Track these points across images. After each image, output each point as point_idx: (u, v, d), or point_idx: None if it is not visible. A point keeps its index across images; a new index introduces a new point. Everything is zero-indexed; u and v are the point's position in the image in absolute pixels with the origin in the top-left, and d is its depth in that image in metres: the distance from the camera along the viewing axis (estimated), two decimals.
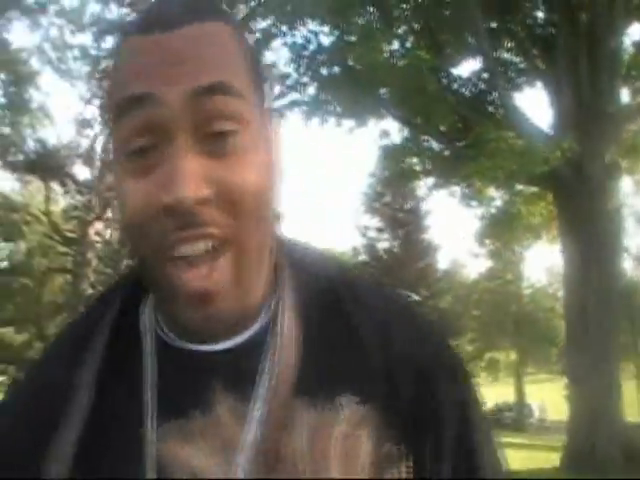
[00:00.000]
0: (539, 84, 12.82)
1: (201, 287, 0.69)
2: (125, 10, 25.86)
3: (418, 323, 0.83)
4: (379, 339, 0.78)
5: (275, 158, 0.78)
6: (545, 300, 33.51)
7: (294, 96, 12.25)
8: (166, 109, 0.69)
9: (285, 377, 0.74)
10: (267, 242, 0.76)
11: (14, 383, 0.89)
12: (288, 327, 0.77)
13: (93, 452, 0.72)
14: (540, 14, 12.11)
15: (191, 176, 0.68)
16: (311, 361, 0.75)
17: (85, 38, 26.11)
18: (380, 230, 35.81)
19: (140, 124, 0.70)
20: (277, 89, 12.29)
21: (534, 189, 12.92)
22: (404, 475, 0.73)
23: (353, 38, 11.81)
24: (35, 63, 25.19)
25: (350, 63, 11.69)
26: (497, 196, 15.36)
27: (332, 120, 12.67)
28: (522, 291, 33.26)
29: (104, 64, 26.44)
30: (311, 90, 12.24)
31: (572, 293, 10.79)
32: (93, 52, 26.17)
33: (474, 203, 16.40)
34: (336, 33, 12.06)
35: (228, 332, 0.75)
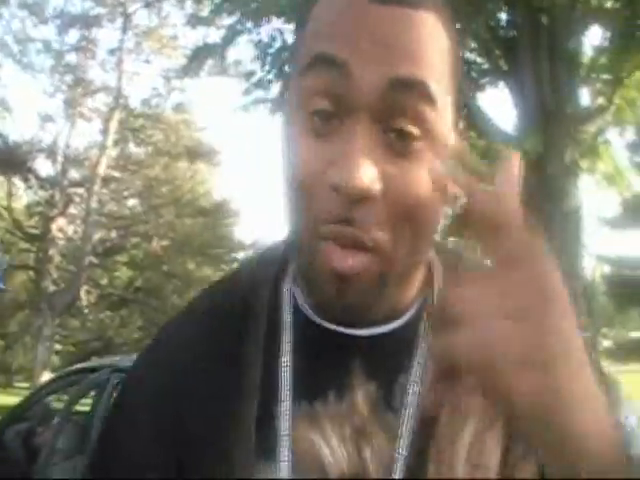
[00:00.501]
0: (502, 85, 12.97)
1: (343, 268, 0.67)
2: (89, 3, 25.71)
3: None
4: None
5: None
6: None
7: (259, 93, 12.27)
8: (359, 86, 0.66)
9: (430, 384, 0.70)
10: (421, 258, 0.76)
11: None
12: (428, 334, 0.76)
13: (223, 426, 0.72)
14: (503, 15, 12.24)
15: (366, 165, 0.65)
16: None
17: (48, 31, 25.73)
18: None
19: (329, 87, 0.67)
20: (243, 86, 12.31)
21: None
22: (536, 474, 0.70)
23: None
24: None
25: None
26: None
27: None
28: None
29: (67, 58, 26.20)
30: (276, 88, 12.27)
31: None
32: (56, 45, 26.01)
33: None
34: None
35: (370, 322, 0.75)
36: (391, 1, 0.67)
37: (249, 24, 12.06)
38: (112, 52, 26.25)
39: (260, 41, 12.21)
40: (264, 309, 0.78)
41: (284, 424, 0.71)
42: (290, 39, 12.20)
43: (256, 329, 0.76)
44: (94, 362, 8.00)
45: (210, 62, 14.05)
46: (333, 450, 0.70)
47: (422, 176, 0.68)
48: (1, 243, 27.47)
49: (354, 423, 0.71)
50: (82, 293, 24.40)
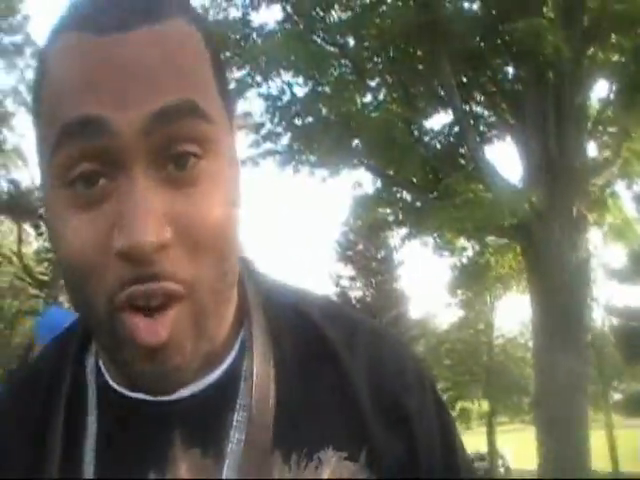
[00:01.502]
0: (509, 138, 13.06)
1: (155, 341, 0.59)
2: None
3: (403, 361, 0.75)
4: (369, 385, 0.70)
5: (239, 184, 0.67)
6: (516, 350, 33.63)
7: (268, 145, 12.38)
8: (119, 137, 0.57)
9: (259, 430, 0.65)
10: (231, 283, 0.66)
11: None
12: (259, 371, 0.68)
13: None
14: (509, 69, 12.38)
15: (152, 217, 0.57)
16: (288, 410, 0.67)
17: None
18: (353, 279, 35.80)
19: (85, 151, 0.58)
20: (251, 138, 12.43)
21: (503, 240, 13.10)
22: None
23: (327, 90, 12.02)
24: (10, 104, 25.21)
25: (324, 114, 11.88)
26: (468, 246, 15.57)
27: (305, 169, 12.84)
28: (493, 341, 33.36)
29: None
30: (285, 140, 12.38)
31: (540, 343, 10.89)
32: None
33: (446, 253, 16.58)
34: (310, 84, 12.27)
35: (186, 381, 0.64)
36: (121, 26, 0.59)
37: (258, 78, 12.23)
38: None
39: (269, 94, 12.37)
40: (64, 392, 0.70)
41: None
42: (300, 92, 12.39)
43: (56, 416, 0.68)
44: None
45: None
46: None
47: (212, 197, 0.61)
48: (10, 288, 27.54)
49: None
50: None
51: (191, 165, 0.59)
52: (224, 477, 0.63)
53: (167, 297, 0.59)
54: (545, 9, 11.21)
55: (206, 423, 0.66)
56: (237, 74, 12.61)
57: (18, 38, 24.78)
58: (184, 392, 0.65)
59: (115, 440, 0.66)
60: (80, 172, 0.58)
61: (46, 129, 0.61)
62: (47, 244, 27.24)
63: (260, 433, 0.65)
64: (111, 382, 0.69)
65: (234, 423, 0.66)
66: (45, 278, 25.40)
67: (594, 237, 14.89)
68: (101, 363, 0.71)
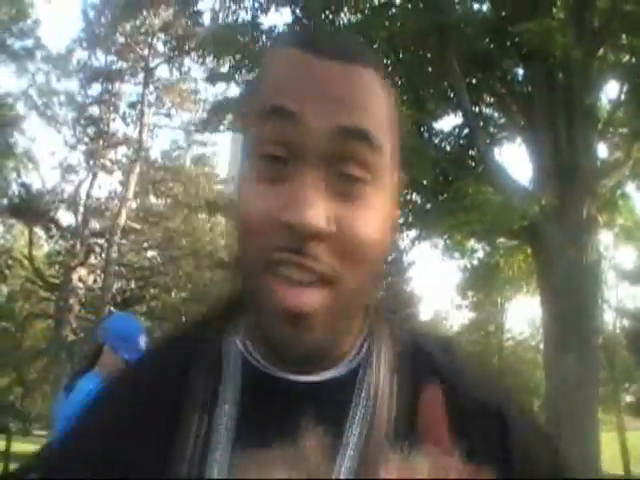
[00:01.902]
0: (519, 139, 13.02)
1: (297, 307, 0.69)
2: (111, 57, 26.22)
3: (511, 404, 0.84)
4: (470, 388, 0.80)
5: (396, 210, 0.81)
6: (527, 352, 33.55)
7: None
8: (310, 134, 0.71)
9: (378, 417, 0.75)
10: (368, 292, 0.78)
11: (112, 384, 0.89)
12: (382, 368, 0.79)
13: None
14: (519, 71, 12.35)
15: (318, 205, 0.69)
16: (403, 404, 0.76)
17: (71, 84, 26.30)
18: None
19: (281, 135, 0.72)
20: None
21: (513, 242, 13.07)
22: None
23: None
24: (21, 108, 25.43)
25: None
26: (479, 248, 15.55)
27: None
28: (504, 343, 33.29)
29: (90, 110, 26.64)
30: None
31: (551, 345, 10.86)
32: (79, 98, 26.48)
33: (457, 255, 16.56)
34: None
35: (317, 367, 0.77)
36: (336, 57, 0.74)
37: None
38: (133, 105, 26.70)
39: None
40: (207, 363, 0.79)
41: (220, 471, 0.72)
42: None
43: (199, 383, 0.78)
44: None
45: (230, 117, 14.23)
46: None
47: (370, 217, 0.73)
48: (21, 291, 27.64)
49: (304, 467, 0.69)
50: None
51: (357, 187, 0.72)
52: (345, 460, 0.72)
53: (319, 278, 0.70)
54: (555, 10, 11.18)
55: (329, 408, 0.74)
56: (247, 76, 12.65)
57: (29, 42, 24.96)
58: (316, 377, 0.77)
59: (252, 409, 0.75)
60: (270, 151, 0.72)
61: (257, 109, 0.75)
62: (58, 247, 27.37)
63: (380, 426, 0.74)
64: (250, 358, 0.80)
65: (358, 413, 0.75)
66: (56, 281, 25.51)
67: (605, 239, 14.86)
68: (238, 342, 0.82)
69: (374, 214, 0.73)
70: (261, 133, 0.73)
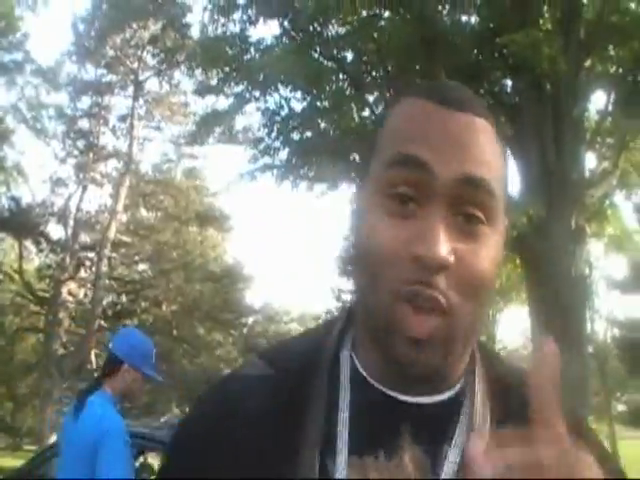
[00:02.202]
0: (507, 150, 13.03)
1: (422, 334, 0.77)
2: (101, 71, 26.24)
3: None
4: None
5: (502, 251, 0.87)
6: (519, 362, 33.50)
7: (266, 160, 12.39)
8: (439, 180, 0.79)
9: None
10: (477, 324, 0.85)
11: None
12: (479, 397, 0.86)
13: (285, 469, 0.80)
14: (507, 82, 12.38)
15: (445, 241, 0.77)
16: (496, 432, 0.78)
17: (61, 97, 26.23)
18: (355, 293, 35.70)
19: (411, 178, 0.80)
20: (250, 153, 12.43)
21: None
22: None
23: (325, 104, 12.04)
24: (10, 121, 25.35)
25: (322, 129, 11.89)
26: None
27: (304, 184, 12.84)
28: None
29: (80, 124, 26.62)
30: (283, 155, 12.39)
31: None
32: (69, 111, 26.46)
33: None
34: (308, 99, 12.28)
35: (423, 391, 0.84)
36: (461, 109, 0.83)
37: (257, 93, 12.25)
38: (123, 118, 26.73)
39: (267, 109, 12.38)
40: (325, 371, 0.87)
41: (341, 474, 0.79)
42: (297, 107, 12.40)
43: (318, 388, 0.85)
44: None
45: (219, 129, 14.24)
46: None
47: (486, 254, 0.81)
48: (11, 305, 27.51)
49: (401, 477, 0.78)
50: (92, 356, 24.34)
51: (476, 226, 0.81)
52: (443, 476, 0.79)
53: (437, 306, 0.78)
54: (542, 21, 11.23)
55: (432, 429, 0.82)
56: (236, 89, 12.67)
57: (18, 56, 24.94)
58: (421, 400, 0.84)
59: (362, 422, 0.82)
60: (400, 192, 0.80)
61: (383, 153, 0.84)
62: (48, 261, 27.27)
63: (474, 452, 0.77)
64: (363, 372, 0.87)
65: (455, 435, 0.82)
66: (46, 295, 25.41)
67: (595, 248, 14.87)
68: (355, 354, 0.89)
69: (488, 252, 0.81)
70: (390, 176, 0.82)
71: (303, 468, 0.79)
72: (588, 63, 11.42)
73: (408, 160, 0.80)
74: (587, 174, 11.53)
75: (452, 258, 0.78)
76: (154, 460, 6.97)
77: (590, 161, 12.19)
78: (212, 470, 0.83)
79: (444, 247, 0.77)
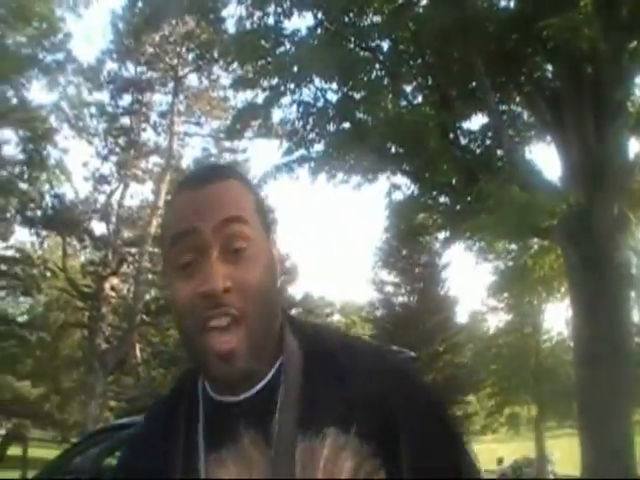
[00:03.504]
0: (548, 137, 12.80)
1: (226, 349, 1.02)
2: (141, 68, 26.44)
3: (396, 369, 1.13)
4: (361, 382, 1.07)
5: (275, 261, 1.13)
6: (564, 353, 32.99)
7: (302, 152, 12.31)
8: (203, 235, 1.05)
9: (290, 416, 1.04)
10: (272, 318, 1.10)
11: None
12: (292, 381, 1.08)
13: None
14: (547, 67, 12.12)
15: (218, 274, 1.02)
16: (308, 403, 1.05)
17: (102, 96, 26.38)
18: (397, 285, 35.56)
19: (187, 247, 1.06)
20: (285, 145, 12.36)
21: (543, 242, 12.84)
22: None
23: (361, 94, 11.93)
24: (53, 120, 25.63)
25: (358, 119, 11.78)
26: (512, 249, 15.32)
27: (339, 176, 12.74)
28: (541, 344, 32.82)
29: (121, 121, 26.87)
30: (319, 147, 12.30)
31: (582, 345, 10.63)
32: (110, 109, 26.73)
33: (491, 257, 16.33)
34: (343, 90, 12.16)
35: (246, 386, 1.08)
36: (205, 183, 1.10)
37: (292, 85, 12.17)
38: (164, 115, 26.92)
39: (302, 101, 12.29)
40: (189, 401, 1.16)
41: (202, 471, 1.06)
42: (332, 98, 12.30)
43: (184, 413, 1.14)
44: (127, 419, 8.08)
45: (257, 123, 14.20)
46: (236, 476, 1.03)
47: (253, 270, 1.06)
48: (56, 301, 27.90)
49: (246, 459, 1.04)
50: (135, 351, 24.60)
51: (244, 253, 1.06)
52: (272, 449, 1.02)
53: (232, 319, 1.03)
54: (582, 3, 10.95)
55: (258, 415, 1.06)
56: (271, 82, 12.60)
57: (60, 56, 25.20)
58: (245, 395, 1.09)
59: (213, 425, 1.10)
60: (183, 262, 1.06)
61: (165, 245, 1.11)
62: (91, 257, 27.61)
63: (289, 422, 1.03)
64: (210, 392, 1.13)
65: (276, 414, 1.05)
66: (89, 290, 25.73)
67: None
68: (201, 383, 1.16)
69: (256, 268, 1.06)
70: (174, 250, 1.08)
71: (178, 472, 1.07)
72: (632, 45, 11.12)
73: (180, 232, 1.07)
74: (631, 160, 11.24)
75: (229, 282, 1.02)
76: None
77: (635, 146, 11.90)
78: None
79: (219, 278, 1.02)
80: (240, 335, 1.03)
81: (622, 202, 10.51)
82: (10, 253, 26.76)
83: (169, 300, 1.12)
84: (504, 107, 12.77)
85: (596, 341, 9.96)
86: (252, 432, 1.05)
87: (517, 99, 12.83)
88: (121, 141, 26.67)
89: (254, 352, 1.05)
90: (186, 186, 1.13)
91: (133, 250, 26.01)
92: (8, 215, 25.08)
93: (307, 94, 12.32)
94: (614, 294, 10.15)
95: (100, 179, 26.70)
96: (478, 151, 12.60)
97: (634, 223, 11.51)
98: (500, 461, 34.05)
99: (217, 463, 1.05)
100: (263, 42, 12.47)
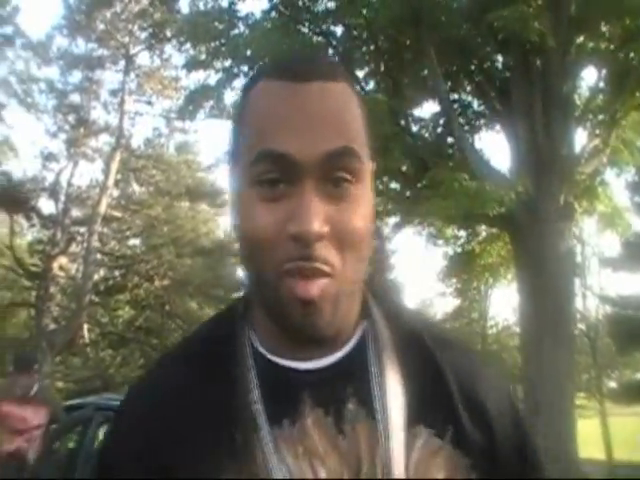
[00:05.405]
0: (498, 126, 13.00)
1: (313, 295, 0.83)
2: (92, 45, 25.99)
3: (488, 371, 0.99)
4: (457, 378, 0.93)
5: (374, 206, 0.93)
6: (510, 339, 33.57)
7: None
8: (300, 165, 0.83)
9: (394, 403, 0.88)
10: (362, 277, 0.91)
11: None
12: (386, 359, 0.92)
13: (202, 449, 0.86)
14: (497, 57, 12.30)
15: (315, 215, 0.82)
16: (397, 388, 0.89)
17: (51, 71, 25.94)
18: None
19: (274, 167, 0.84)
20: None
21: (492, 229, 13.07)
22: None
23: None
24: (0, 95, 25.05)
25: None
26: (461, 236, 15.55)
27: None
28: (487, 330, 33.32)
29: (71, 98, 26.43)
30: None
31: (527, 332, 10.88)
32: (59, 86, 26.24)
33: (440, 242, 16.55)
34: None
35: (317, 355, 0.90)
36: (307, 77, 0.86)
37: (245, 68, 12.15)
38: (114, 93, 26.50)
39: None
40: (230, 355, 0.93)
41: (267, 446, 0.85)
42: None
43: (225, 373, 0.90)
44: (78, 400, 8.07)
45: (209, 104, 14.14)
46: (289, 467, 0.84)
47: (358, 212, 0.86)
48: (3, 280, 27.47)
49: (306, 444, 0.85)
50: (83, 331, 24.36)
51: (345, 187, 0.86)
52: (345, 431, 0.86)
53: (321, 273, 0.83)
54: None
55: (331, 390, 0.88)
56: (224, 64, 12.57)
57: (8, 29, 24.63)
58: (317, 364, 0.90)
59: (272, 392, 0.88)
60: (268, 178, 0.84)
61: (246, 146, 0.88)
62: (39, 236, 27.22)
63: (394, 411, 0.87)
64: (262, 349, 0.93)
65: (353, 390, 0.89)
66: (37, 270, 25.34)
67: (588, 226, 14.83)
68: (254, 336, 0.95)
69: (359, 209, 0.86)
70: (257, 170, 0.85)
71: (225, 447, 0.85)
72: (579, 40, 11.34)
73: (269, 155, 0.84)
74: (577, 151, 11.48)
75: (326, 228, 0.83)
76: None
77: (581, 138, 12.15)
78: (149, 452, 0.88)
79: (316, 220, 0.82)
80: (328, 289, 0.84)
81: (568, 192, 10.74)
82: None
83: (238, 221, 0.90)
84: (455, 96, 12.94)
85: (541, 328, 10.20)
86: (319, 411, 0.87)
87: (468, 88, 13.02)
88: (71, 118, 26.21)
89: (339, 311, 0.86)
90: (287, 73, 0.87)
91: (82, 229, 25.64)
92: None
93: None
94: (559, 281, 10.40)
95: (49, 157, 26.25)
96: (429, 138, 12.75)
97: (579, 212, 11.78)
98: None
99: (284, 441, 0.85)
100: (217, 24, 12.43)
